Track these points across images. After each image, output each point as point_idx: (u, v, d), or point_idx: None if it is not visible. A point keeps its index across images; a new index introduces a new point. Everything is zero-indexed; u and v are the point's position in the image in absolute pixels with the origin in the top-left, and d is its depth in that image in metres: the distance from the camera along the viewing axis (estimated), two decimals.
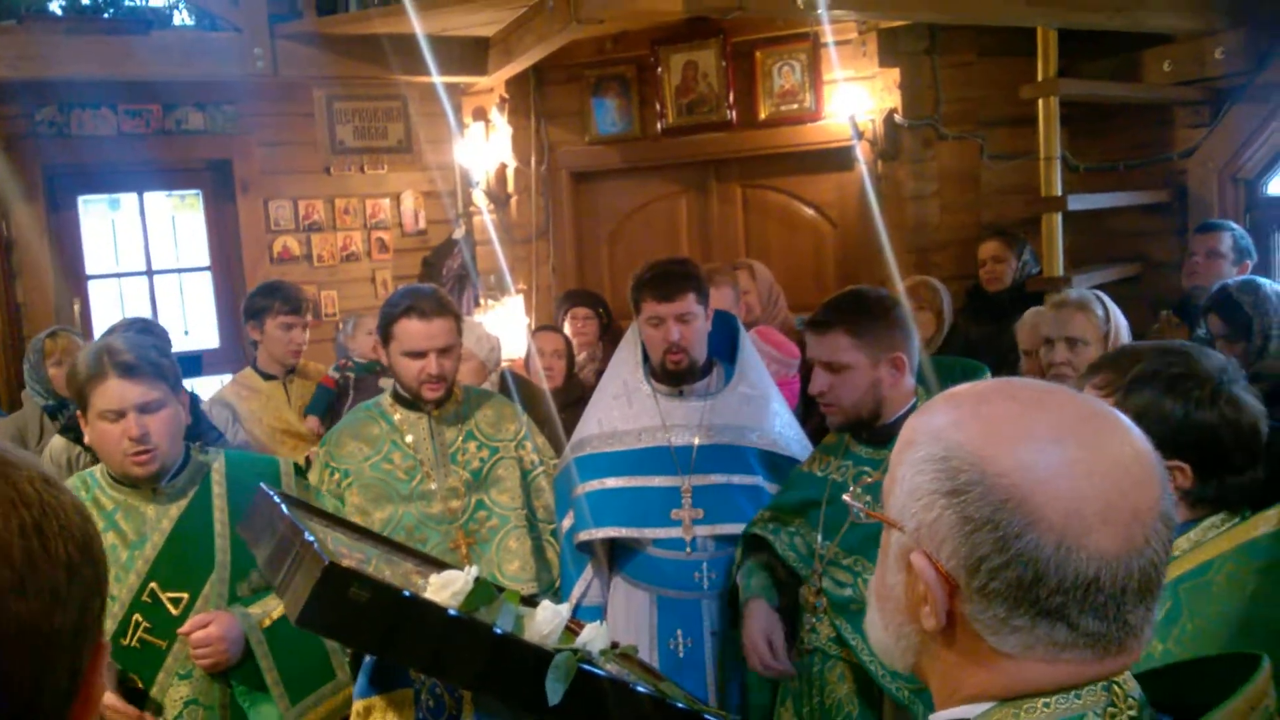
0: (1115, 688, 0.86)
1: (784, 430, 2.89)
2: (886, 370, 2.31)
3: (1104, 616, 0.84)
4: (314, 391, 4.08)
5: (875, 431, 2.39)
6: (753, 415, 2.85)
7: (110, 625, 2.24)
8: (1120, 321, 3.05)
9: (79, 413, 2.29)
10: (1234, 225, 4.12)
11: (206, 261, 6.05)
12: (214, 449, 2.49)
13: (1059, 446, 0.85)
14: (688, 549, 2.78)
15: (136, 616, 2.25)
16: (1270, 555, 1.42)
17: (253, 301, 4.08)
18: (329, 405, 4.05)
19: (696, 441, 2.82)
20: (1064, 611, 0.83)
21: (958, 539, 0.85)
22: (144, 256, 5.91)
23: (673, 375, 2.85)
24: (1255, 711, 0.86)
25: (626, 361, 2.97)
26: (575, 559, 2.90)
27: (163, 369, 2.27)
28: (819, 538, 2.41)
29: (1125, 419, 0.90)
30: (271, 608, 2.29)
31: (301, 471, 2.62)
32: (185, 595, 2.28)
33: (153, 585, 2.26)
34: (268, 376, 4.10)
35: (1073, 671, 0.85)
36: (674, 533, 2.78)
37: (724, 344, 2.97)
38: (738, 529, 2.70)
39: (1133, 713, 0.85)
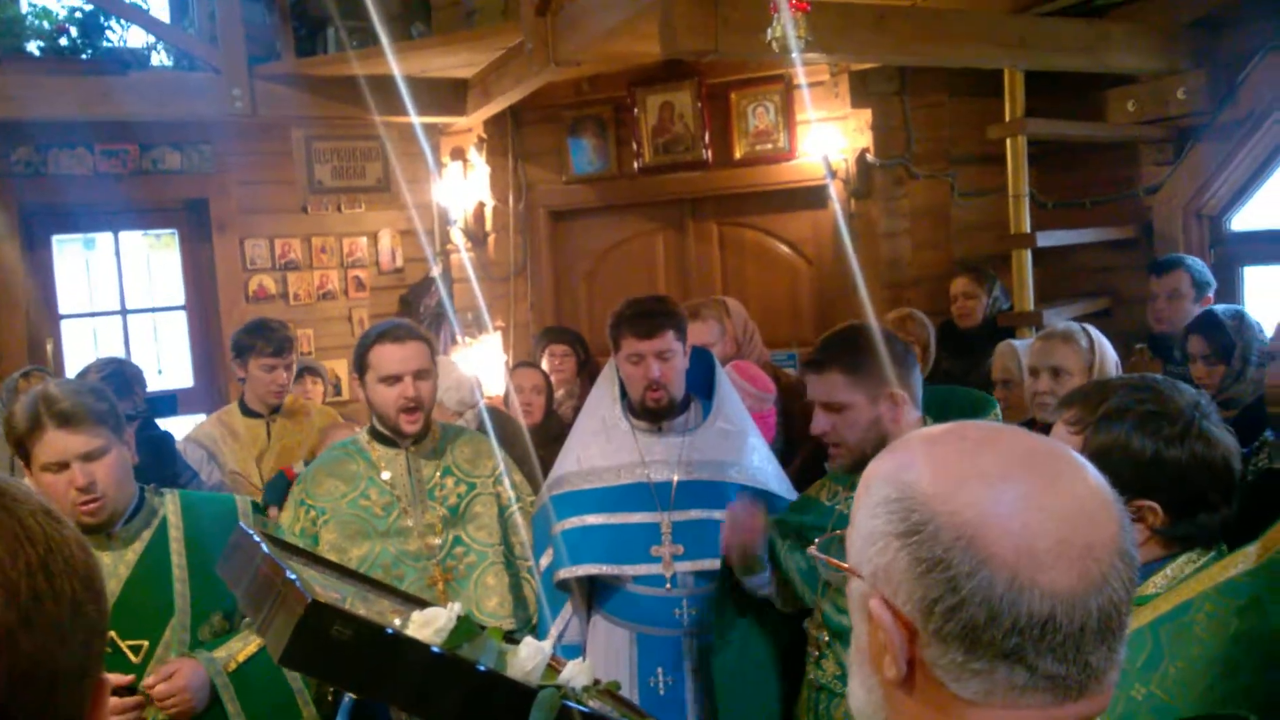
0: None
1: (762, 465, 2.90)
2: (886, 407, 2.26)
3: (1063, 658, 0.82)
4: (273, 478, 3.83)
5: None
6: (731, 450, 2.87)
7: None
8: (1107, 353, 3.06)
9: (22, 464, 2.21)
10: (1188, 259, 4.11)
11: (182, 300, 6.03)
12: (167, 490, 2.42)
13: (1009, 483, 0.84)
14: (668, 585, 2.78)
15: None
16: (1249, 594, 1.39)
17: (239, 339, 4.06)
18: (284, 495, 3.95)
19: (676, 478, 2.83)
20: (1021, 653, 0.81)
21: (912, 581, 0.85)
22: (118, 296, 5.88)
23: (652, 412, 2.86)
24: None
25: (604, 398, 2.97)
26: (553, 597, 2.88)
27: (102, 414, 2.20)
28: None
29: (1078, 456, 0.90)
30: (236, 650, 2.26)
31: (259, 509, 2.58)
32: (145, 643, 2.23)
33: (111, 634, 2.21)
34: (253, 414, 4.08)
35: (1034, 717, 0.84)
36: (654, 569, 2.78)
37: (700, 380, 2.99)
38: (717, 564, 2.70)
39: None
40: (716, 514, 2.77)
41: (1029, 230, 4.28)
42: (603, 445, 2.90)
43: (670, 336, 2.80)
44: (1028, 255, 4.26)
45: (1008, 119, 4.29)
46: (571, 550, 2.81)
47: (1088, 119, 4.87)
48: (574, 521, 2.84)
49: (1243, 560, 1.44)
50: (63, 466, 2.16)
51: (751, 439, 2.93)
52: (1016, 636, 0.81)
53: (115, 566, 2.26)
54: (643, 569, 2.78)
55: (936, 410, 2.41)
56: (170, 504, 2.37)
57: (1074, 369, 3.01)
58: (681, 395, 2.88)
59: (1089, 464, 0.89)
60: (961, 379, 4.37)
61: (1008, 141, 4.28)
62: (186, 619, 2.28)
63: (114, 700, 2.09)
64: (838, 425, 2.29)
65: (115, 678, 2.11)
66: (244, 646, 2.27)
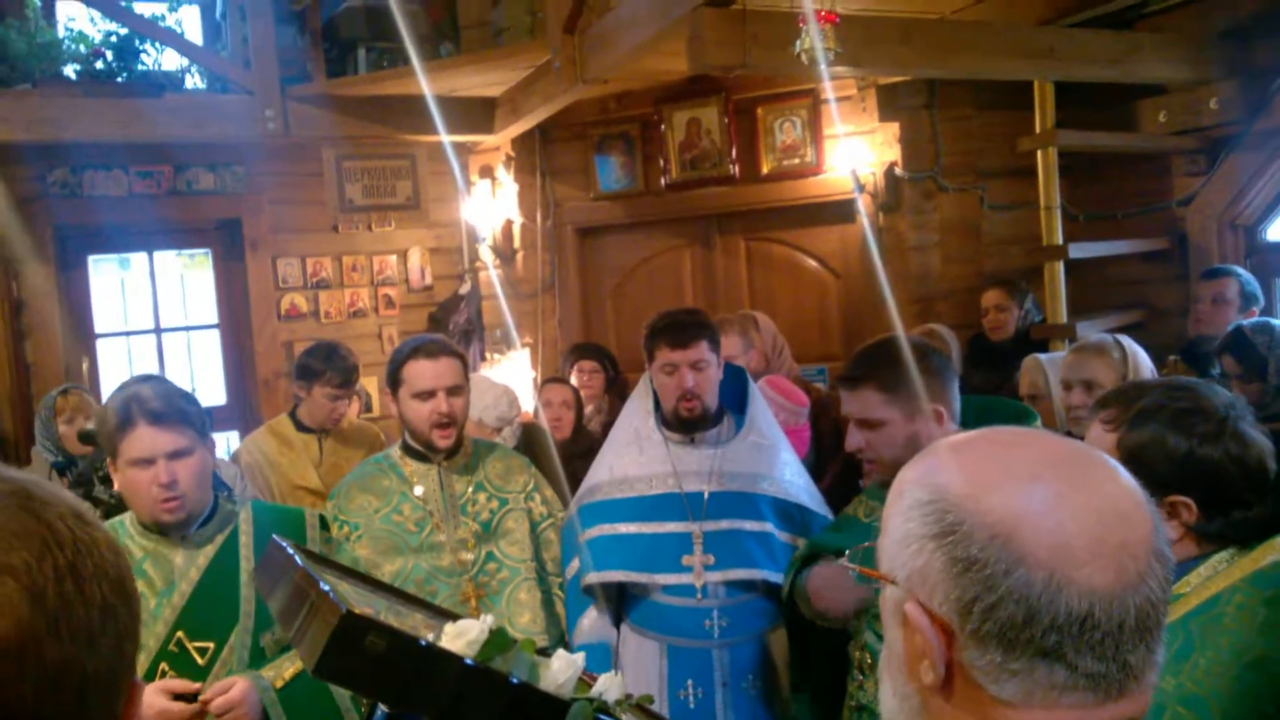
0: None
1: (794, 479, 2.89)
2: (924, 423, 2.21)
3: (1102, 656, 0.82)
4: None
5: None
6: (764, 463, 2.86)
7: (139, 673, 2.22)
8: (1143, 364, 3.02)
9: (109, 461, 2.30)
10: (1240, 270, 4.14)
11: (215, 319, 6.10)
12: (240, 499, 2.50)
13: (1041, 483, 0.85)
14: (699, 595, 2.77)
15: (163, 665, 2.25)
16: (1278, 584, 1.41)
17: (308, 363, 4.05)
18: None
19: (708, 489, 2.82)
20: (1061, 651, 0.82)
21: (948, 582, 0.85)
22: (153, 315, 5.96)
23: (685, 423, 2.86)
24: None
25: (638, 411, 2.98)
26: (579, 603, 2.88)
27: (190, 416, 2.29)
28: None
29: (1109, 458, 0.91)
30: (284, 669, 2.28)
31: (325, 524, 2.62)
32: (211, 645, 2.28)
33: (180, 634, 2.27)
34: (304, 429, 4.11)
35: (1075, 718, 0.83)
36: (685, 579, 2.76)
37: (734, 395, 2.99)
38: (749, 574, 2.69)
39: None
40: (748, 525, 2.76)
41: (1060, 242, 4.24)
42: (635, 456, 2.90)
43: (704, 347, 2.80)
44: (1060, 267, 4.23)
45: (1038, 130, 4.26)
46: (601, 557, 2.81)
47: (1118, 130, 4.83)
48: (605, 529, 2.84)
49: (1272, 552, 1.45)
50: (149, 463, 2.22)
51: (784, 454, 2.92)
52: (1055, 634, 0.81)
53: (187, 569, 2.32)
54: (673, 578, 2.77)
55: (976, 421, 2.36)
56: (243, 513, 2.43)
57: (1107, 381, 2.97)
58: (715, 406, 2.88)
59: (1120, 466, 0.90)
60: (993, 393, 4.34)
61: (1038, 153, 4.25)
62: (250, 624, 2.31)
63: (175, 706, 2.14)
64: (873, 442, 2.26)
65: (179, 684, 2.17)
66: (292, 665, 2.29)
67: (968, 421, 2.35)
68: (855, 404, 2.27)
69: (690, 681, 2.77)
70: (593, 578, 2.82)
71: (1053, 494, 0.84)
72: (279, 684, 2.26)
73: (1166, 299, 4.86)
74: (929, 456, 0.93)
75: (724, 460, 2.84)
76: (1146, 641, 0.84)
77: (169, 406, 2.25)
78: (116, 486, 2.32)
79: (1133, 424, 1.56)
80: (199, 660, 2.27)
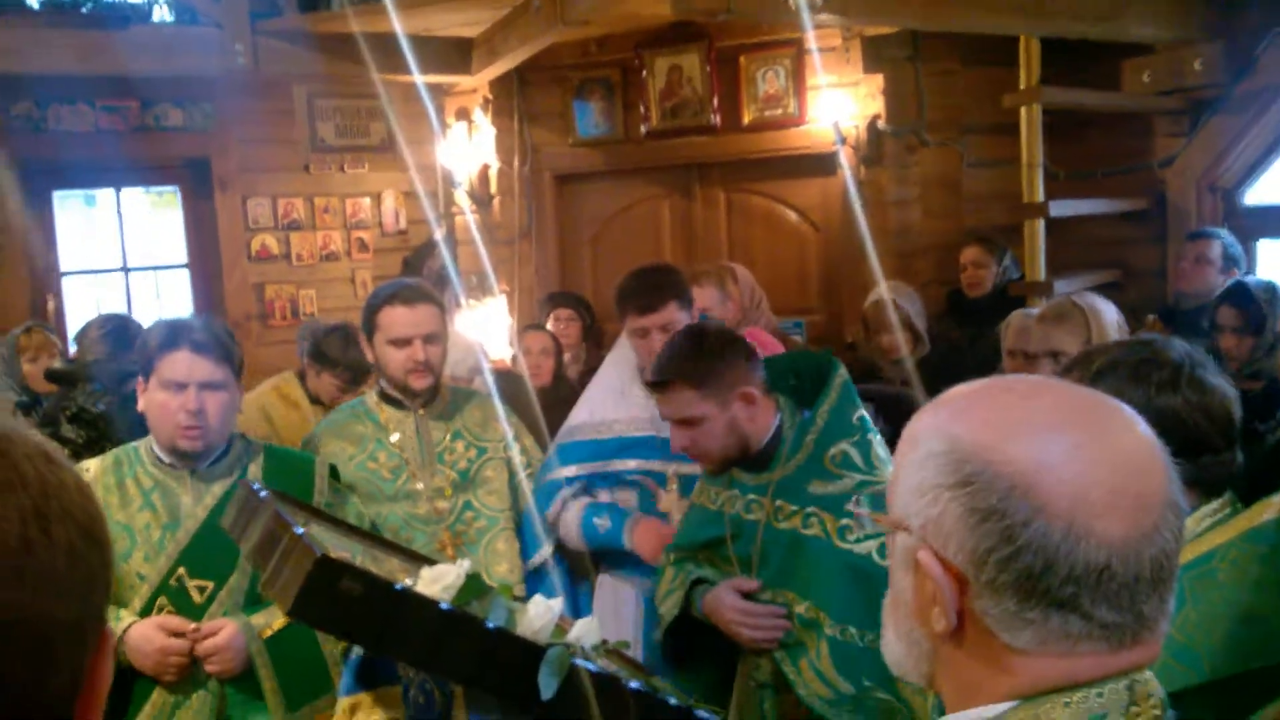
0: (1137, 686, 0.84)
1: None
2: (740, 407, 2.20)
3: (1118, 606, 0.82)
4: None
5: (753, 459, 2.29)
6: None
7: (137, 604, 2.25)
8: (1107, 323, 2.99)
9: (139, 379, 2.32)
10: (1224, 233, 4.18)
11: (184, 259, 5.99)
12: (256, 441, 2.51)
13: (1061, 433, 0.84)
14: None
15: (162, 599, 2.25)
16: (1272, 541, 1.42)
17: (323, 348, 3.90)
18: None
19: None
20: (1077, 602, 0.82)
21: (964, 531, 0.84)
22: (120, 253, 5.84)
23: None
24: None
25: (621, 361, 2.97)
26: (547, 532, 2.89)
27: (231, 354, 2.34)
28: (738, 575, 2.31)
29: (1126, 408, 0.90)
30: (276, 618, 2.27)
31: (336, 474, 2.59)
32: (211, 584, 2.28)
33: (181, 570, 2.27)
34: (314, 400, 4.02)
35: (1089, 665, 0.84)
36: (663, 507, 2.78)
37: None
38: None
39: (1156, 711, 0.84)
40: None
41: (1041, 200, 4.23)
42: (617, 401, 2.90)
43: (673, 308, 2.77)
44: (1040, 225, 4.22)
45: (1022, 87, 4.23)
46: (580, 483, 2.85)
47: (1102, 89, 4.80)
48: (585, 468, 2.85)
49: (1268, 510, 1.46)
50: (182, 387, 2.25)
51: None
52: (1073, 585, 0.81)
53: (194, 506, 2.33)
54: (642, 464, 2.81)
55: (782, 383, 2.33)
56: (259, 456, 2.44)
57: (1073, 349, 2.95)
58: None
59: (1137, 415, 0.89)
60: (969, 348, 4.35)
61: (1022, 110, 4.22)
62: (250, 567, 2.29)
63: (175, 643, 2.18)
64: (697, 439, 2.23)
65: (175, 622, 2.20)
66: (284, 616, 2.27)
67: (776, 383, 2.31)
68: (670, 406, 2.24)
69: None
70: (571, 470, 2.83)
71: (1071, 444, 0.84)
72: (267, 633, 2.26)
73: (1145, 259, 4.87)
74: (943, 405, 0.92)
75: None
76: (1160, 592, 0.84)
77: (213, 339, 2.31)
78: (140, 407, 2.33)
79: (1093, 381, 1.55)
80: (196, 598, 2.27)
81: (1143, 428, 0.88)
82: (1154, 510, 0.84)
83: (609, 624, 2.80)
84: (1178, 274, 4.17)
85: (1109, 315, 3.03)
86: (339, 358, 3.90)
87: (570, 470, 2.87)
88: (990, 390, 0.92)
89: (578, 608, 2.94)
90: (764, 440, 2.25)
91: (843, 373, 2.33)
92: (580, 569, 3.03)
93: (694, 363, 2.21)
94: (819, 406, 2.27)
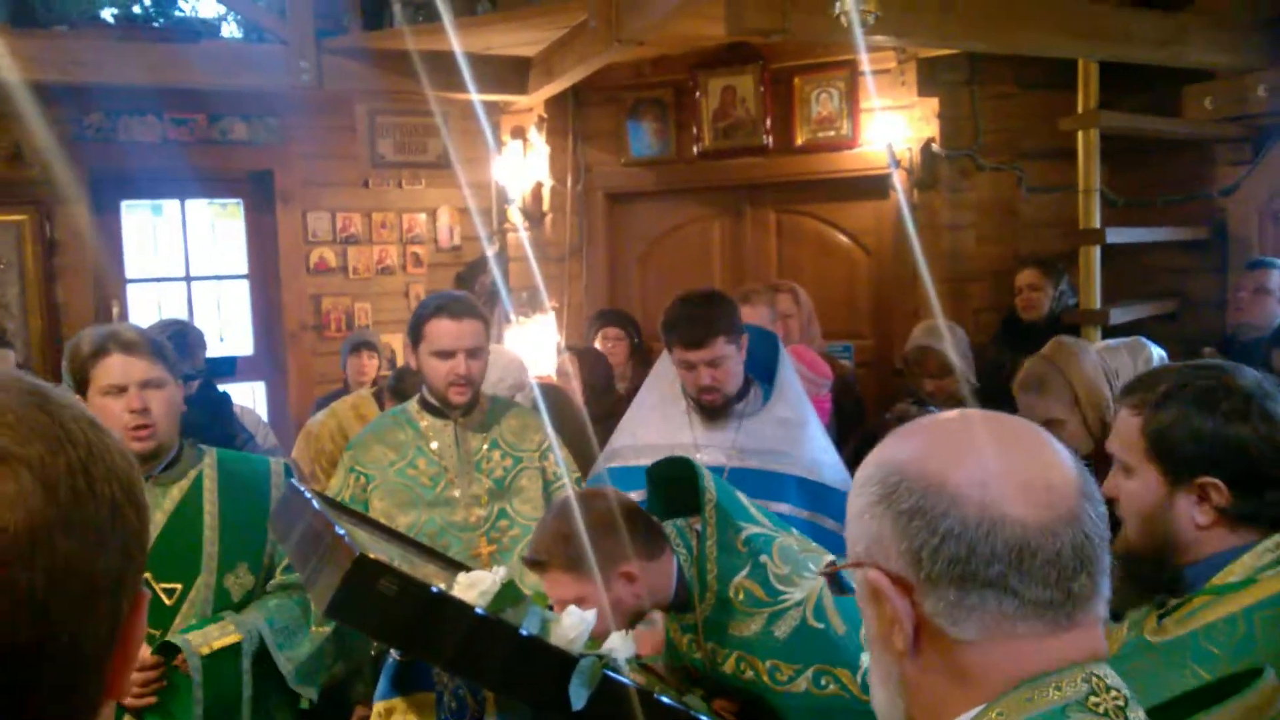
0: (1094, 679, 0.89)
1: (819, 456, 2.84)
2: (622, 586, 2.05)
3: (1045, 582, 0.89)
4: None
5: (672, 604, 2.15)
6: (786, 440, 2.82)
7: None
8: (1088, 368, 2.77)
9: (78, 395, 2.27)
10: None
11: (244, 269, 6.13)
12: (205, 446, 2.47)
13: (975, 443, 0.94)
14: None
15: None
16: None
17: (405, 384, 3.87)
18: None
19: (728, 464, 2.79)
20: (1005, 580, 0.88)
21: (897, 536, 0.92)
22: (183, 262, 5.99)
23: (706, 408, 2.84)
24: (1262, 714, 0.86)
25: (664, 377, 2.96)
26: None
27: (163, 350, 2.31)
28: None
29: (1042, 430, 0.99)
30: (212, 637, 2.24)
31: (290, 473, 2.58)
32: (179, 586, 2.29)
33: (147, 575, 2.26)
34: None
35: (1033, 649, 0.89)
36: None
37: (764, 363, 2.94)
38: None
39: (1118, 702, 0.88)
40: (763, 504, 2.74)
41: (1098, 226, 4.17)
42: (658, 424, 2.89)
43: (720, 343, 2.74)
44: (1096, 252, 4.16)
45: (1080, 111, 4.18)
46: None
47: (1162, 115, 4.73)
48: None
49: None
50: (121, 390, 2.24)
51: (810, 429, 2.87)
52: (998, 564, 0.89)
53: (153, 510, 2.30)
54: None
55: (662, 501, 2.22)
56: (208, 458, 2.43)
57: (1066, 413, 2.80)
58: (736, 390, 2.84)
59: (1051, 437, 0.97)
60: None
61: (1079, 135, 4.17)
62: (214, 566, 2.32)
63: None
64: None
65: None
66: (221, 636, 2.26)
67: (662, 499, 2.20)
68: (551, 587, 2.10)
69: None
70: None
71: (982, 448, 0.94)
72: (205, 650, 2.22)
73: (1203, 290, 4.77)
74: (881, 443, 1.01)
75: (745, 436, 2.82)
76: (1088, 570, 0.91)
77: (143, 339, 2.29)
78: None
79: (1157, 405, 1.52)
80: (166, 600, 2.27)
81: (1054, 442, 0.96)
82: (1068, 498, 0.91)
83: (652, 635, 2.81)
84: (1235, 304, 4.09)
85: (1088, 361, 2.85)
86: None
87: None
88: (922, 421, 1.02)
89: None
90: (669, 595, 2.11)
91: (710, 495, 2.15)
92: None
93: (565, 545, 2.06)
94: (704, 539, 2.12)
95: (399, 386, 3.93)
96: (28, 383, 0.68)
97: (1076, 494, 0.92)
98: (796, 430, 2.84)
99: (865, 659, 1.86)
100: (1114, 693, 0.89)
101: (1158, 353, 3.14)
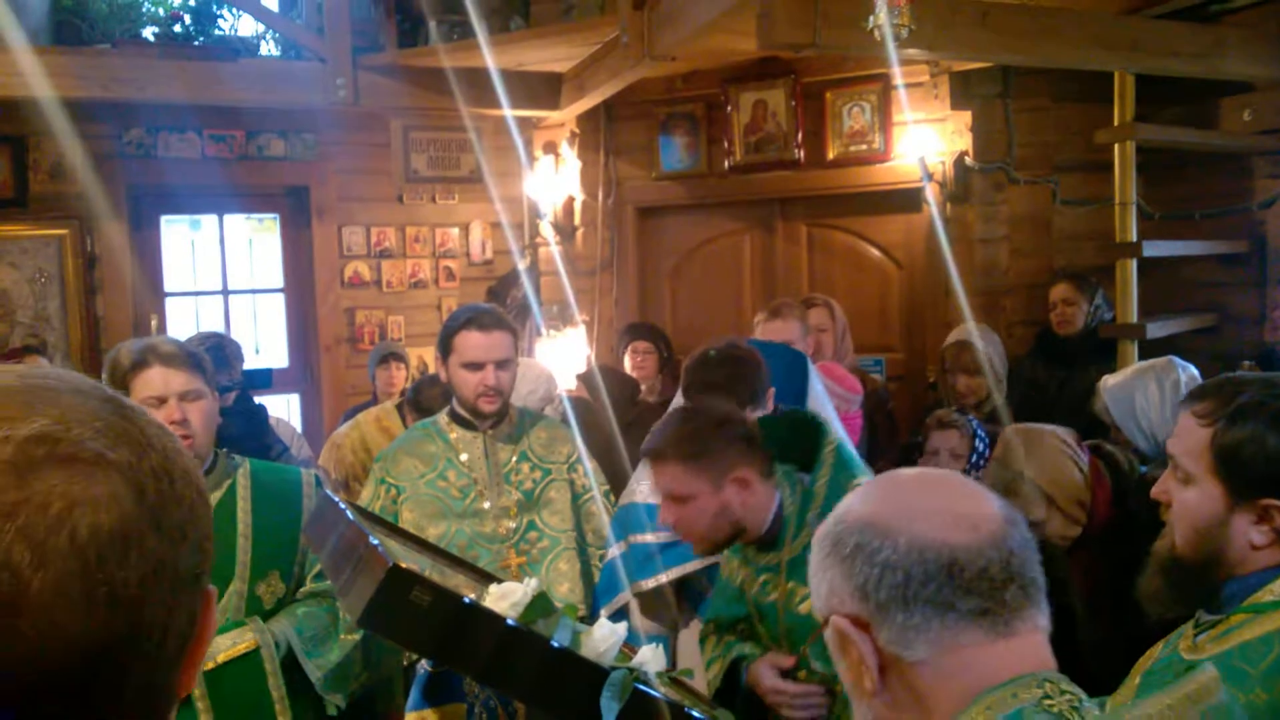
0: (1049, 684, 0.97)
1: None
2: (733, 491, 2.10)
3: (979, 593, 0.98)
4: None
5: (760, 539, 2.20)
6: None
7: None
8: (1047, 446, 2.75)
9: None
10: None
11: (280, 283, 6.20)
12: (239, 457, 2.50)
13: (901, 486, 1.09)
14: None
15: None
16: None
17: (423, 399, 3.97)
18: None
19: None
20: (943, 597, 0.98)
21: (846, 579, 1.03)
22: (221, 276, 6.07)
23: None
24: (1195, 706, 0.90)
25: None
26: (612, 584, 2.83)
27: (201, 362, 2.36)
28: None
29: (966, 479, 1.13)
30: (221, 648, 2.24)
31: (320, 484, 2.61)
32: (214, 590, 2.30)
33: None
34: None
35: (980, 656, 0.98)
36: None
37: (793, 383, 2.91)
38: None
39: (1073, 703, 0.95)
40: None
41: (1135, 240, 4.13)
42: None
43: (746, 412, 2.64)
44: (1132, 266, 4.11)
45: (1116, 124, 4.15)
46: (641, 564, 2.76)
47: (1200, 127, 4.68)
48: (659, 536, 2.76)
49: None
50: (161, 402, 2.28)
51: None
52: (933, 583, 0.99)
53: None
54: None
55: (778, 447, 2.21)
56: (242, 469, 2.46)
57: (1033, 470, 2.75)
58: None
59: (983, 489, 1.09)
60: (1058, 390, 4.24)
61: (1116, 147, 4.13)
62: (247, 574, 2.35)
63: None
64: (684, 516, 2.13)
65: None
66: (231, 645, 2.26)
67: (776, 445, 2.21)
68: (661, 479, 2.15)
69: None
70: (649, 584, 2.74)
71: (911, 493, 1.07)
72: (209, 665, 2.21)
73: (1242, 304, 4.70)
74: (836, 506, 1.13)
75: None
76: (1019, 583, 1.00)
77: (182, 351, 2.33)
78: None
79: (1231, 419, 1.48)
80: None
81: (976, 485, 1.10)
82: (991, 523, 1.02)
83: (691, 661, 2.77)
84: (1273, 322, 4.01)
85: (1045, 452, 2.77)
86: (433, 408, 3.97)
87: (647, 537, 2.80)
88: (875, 479, 1.18)
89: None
90: (764, 524, 2.16)
91: (831, 439, 2.24)
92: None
93: (689, 440, 2.12)
94: (815, 479, 2.19)
95: (417, 399, 3.96)
96: (103, 388, 0.70)
97: (1000, 521, 1.03)
98: None
99: None
100: (1068, 695, 0.96)
101: (1188, 375, 3.09)
